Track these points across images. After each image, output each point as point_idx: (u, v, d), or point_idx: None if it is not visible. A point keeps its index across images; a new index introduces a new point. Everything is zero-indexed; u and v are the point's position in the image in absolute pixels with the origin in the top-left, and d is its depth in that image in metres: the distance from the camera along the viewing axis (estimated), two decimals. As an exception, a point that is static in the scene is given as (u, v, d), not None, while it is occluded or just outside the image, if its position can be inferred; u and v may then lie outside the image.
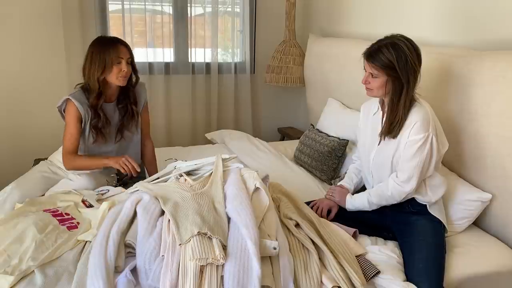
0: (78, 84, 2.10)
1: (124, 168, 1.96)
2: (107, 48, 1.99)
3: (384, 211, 1.86)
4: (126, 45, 2.06)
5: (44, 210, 1.71)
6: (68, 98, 2.02)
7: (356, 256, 1.60)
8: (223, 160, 1.93)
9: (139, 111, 2.22)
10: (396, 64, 1.66)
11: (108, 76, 2.02)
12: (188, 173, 1.91)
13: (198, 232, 1.40)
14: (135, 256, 1.47)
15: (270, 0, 3.67)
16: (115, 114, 2.15)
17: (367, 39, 1.97)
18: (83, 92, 2.06)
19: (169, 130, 3.65)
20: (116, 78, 2.02)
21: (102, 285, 1.29)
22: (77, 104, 2.01)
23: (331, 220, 1.85)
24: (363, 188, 2.01)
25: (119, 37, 2.10)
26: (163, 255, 1.41)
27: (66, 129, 2.05)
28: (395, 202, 1.81)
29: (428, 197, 1.79)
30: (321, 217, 1.92)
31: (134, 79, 2.16)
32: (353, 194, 1.96)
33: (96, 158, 2.06)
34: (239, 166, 1.91)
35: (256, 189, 1.73)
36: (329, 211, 1.97)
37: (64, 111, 2.07)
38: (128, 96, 2.17)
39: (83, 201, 1.83)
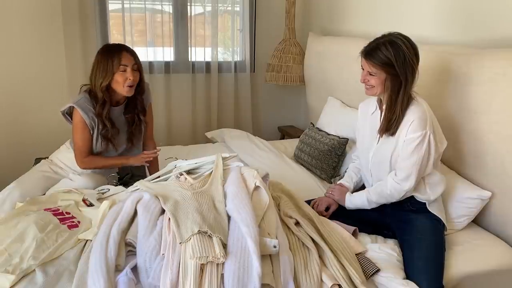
0: (84, 85, 2.08)
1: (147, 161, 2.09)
2: (110, 56, 1.97)
3: (383, 209, 1.86)
4: (131, 51, 2.03)
5: (45, 209, 1.71)
6: (73, 106, 2.01)
7: (356, 254, 1.61)
8: (223, 159, 1.94)
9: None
10: (394, 61, 1.66)
11: (114, 85, 2.00)
12: (188, 172, 1.91)
13: (199, 230, 1.40)
14: (135, 254, 1.47)
15: (270, -2, 3.68)
16: (120, 118, 2.13)
17: (367, 38, 1.97)
18: (88, 99, 2.03)
19: (170, 129, 3.65)
20: (123, 87, 1.99)
21: (102, 283, 1.29)
22: (82, 113, 2.00)
23: (331, 219, 1.85)
24: (363, 187, 2.01)
25: (125, 43, 2.08)
26: (163, 254, 1.42)
27: (76, 134, 2.04)
28: (394, 201, 1.81)
29: (427, 195, 1.79)
30: (319, 211, 1.93)
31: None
32: (352, 193, 1.96)
33: (115, 159, 2.11)
34: (239, 164, 1.92)
35: (256, 187, 1.74)
36: (327, 208, 1.97)
37: (67, 114, 2.08)
38: (136, 104, 2.14)
39: (83, 200, 1.84)
